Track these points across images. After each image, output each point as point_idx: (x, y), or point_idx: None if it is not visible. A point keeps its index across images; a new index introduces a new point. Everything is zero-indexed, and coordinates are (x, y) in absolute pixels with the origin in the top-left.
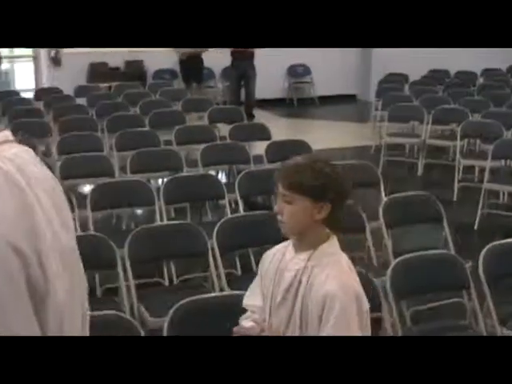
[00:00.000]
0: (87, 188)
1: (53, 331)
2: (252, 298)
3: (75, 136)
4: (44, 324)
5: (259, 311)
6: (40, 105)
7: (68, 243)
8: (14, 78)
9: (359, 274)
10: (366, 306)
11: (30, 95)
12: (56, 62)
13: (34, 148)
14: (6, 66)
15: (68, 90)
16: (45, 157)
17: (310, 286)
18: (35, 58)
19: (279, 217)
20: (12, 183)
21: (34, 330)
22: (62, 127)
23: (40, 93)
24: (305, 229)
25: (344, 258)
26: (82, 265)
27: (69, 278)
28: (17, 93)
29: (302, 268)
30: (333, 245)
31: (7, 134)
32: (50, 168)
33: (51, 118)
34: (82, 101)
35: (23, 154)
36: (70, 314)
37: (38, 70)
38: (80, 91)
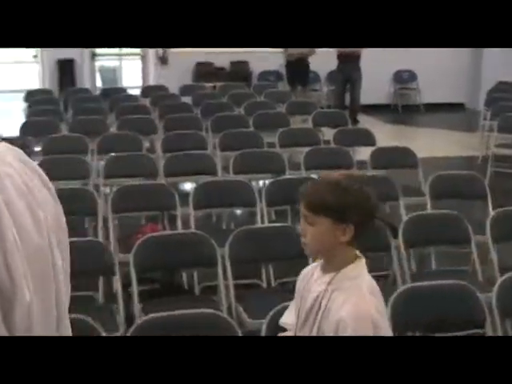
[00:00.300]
0: (189, 186)
1: (20, 334)
2: (287, 315)
3: (180, 134)
4: (12, 327)
5: (293, 329)
6: (146, 102)
7: (40, 243)
8: (122, 75)
9: (461, 288)
10: (387, 332)
11: (136, 92)
12: (163, 60)
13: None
14: (114, 63)
15: (174, 88)
16: (149, 153)
17: (327, 311)
18: (143, 57)
19: (302, 238)
20: None
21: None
22: (167, 125)
23: (147, 90)
24: (328, 251)
25: (366, 282)
26: (62, 265)
27: (40, 280)
28: (124, 90)
29: (322, 291)
30: (357, 268)
31: None
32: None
33: (157, 116)
34: (187, 99)
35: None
36: (41, 317)
37: (145, 68)
38: (185, 90)
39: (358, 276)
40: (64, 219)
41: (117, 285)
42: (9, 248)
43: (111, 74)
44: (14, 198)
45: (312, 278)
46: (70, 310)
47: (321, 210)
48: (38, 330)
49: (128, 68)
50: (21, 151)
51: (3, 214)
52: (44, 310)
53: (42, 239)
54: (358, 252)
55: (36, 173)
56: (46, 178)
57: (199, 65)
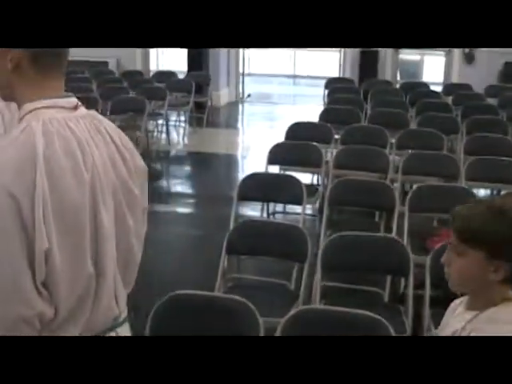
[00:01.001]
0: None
1: (41, 278)
2: None
3: (484, 137)
4: (33, 268)
5: None
6: (449, 100)
7: (78, 201)
8: (423, 70)
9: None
10: None
11: (437, 88)
12: (469, 58)
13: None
14: (415, 57)
15: (478, 88)
16: (450, 153)
17: None
18: (448, 53)
19: (445, 268)
20: (30, 142)
21: (20, 268)
22: (469, 126)
23: (449, 88)
24: (475, 287)
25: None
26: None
27: (70, 234)
28: (426, 85)
29: (459, 329)
30: (504, 311)
31: (69, 100)
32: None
33: (459, 115)
34: (492, 101)
35: (68, 120)
36: (66, 268)
37: (449, 65)
38: (491, 91)
39: (502, 321)
40: (138, 184)
41: (408, 286)
42: (36, 197)
43: (412, 68)
44: (60, 156)
45: (454, 313)
46: (356, 304)
47: (474, 240)
48: (62, 280)
49: (430, 63)
50: (97, 117)
51: (39, 166)
52: (70, 263)
53: (81, 198)
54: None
55: (106, 138)
56: (125, 144)
57: (508, 64)
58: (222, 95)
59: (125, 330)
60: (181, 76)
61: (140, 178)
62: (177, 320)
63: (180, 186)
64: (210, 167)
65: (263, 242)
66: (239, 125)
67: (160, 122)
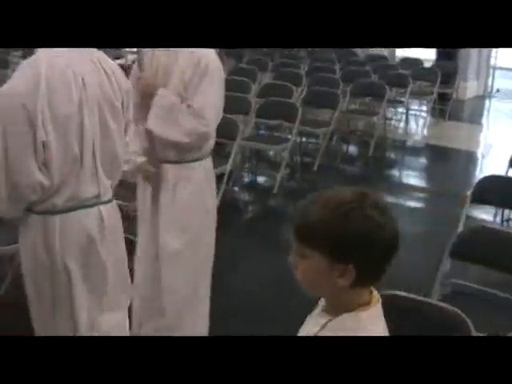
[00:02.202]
0: None
1: (39, 158)
2: None
3: None
4: (35, 150)
5: None
6: None
7: (68, 111)
8: None
9: None
10: None
11: None
12: None
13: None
14: None
15: None
16: None
17: None
18: None
19: (294, 272)
20: (37, 67)
21: (27, 153)
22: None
23: None
24: (326, 292)
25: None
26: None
27: (62, 131)
28: None
29: (312, 334)
30: (361, 317)
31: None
32: None
33: None
34: None
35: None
36: (60, 152)
37: None
38: None
39: (360, 327)
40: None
41: None
42: (38, 107)
43: None
44: (57, 79)
45: (312, 313)
46: None
47: (314, 242)
48: (55, 161)
49: None
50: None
51: (41, 85)
52: (61, 150)
53: (70, 109)
54: (375, 294)
55: (97, 66)
56: (119, 79)
57: None
58: (469, 88)
59: (109, 210)
60: (427, 64)
61: (124, 96)
62: None
63: (412, 179)
64: (446, 162)
65: (493, 252)
66: (483, 121)
67: (400, 110)
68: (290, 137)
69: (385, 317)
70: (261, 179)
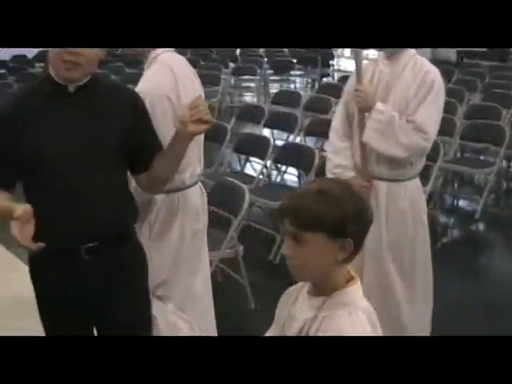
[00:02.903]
0: None
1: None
2: None
3: None
4: None
5: None
6: None
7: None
8: None
9: None
10: None
11: None
12: None
13: None
14: None
15: None
16: None
17: None
18: None
19: (288, 261)
20: (169, 66)
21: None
22: None
23: None
24: (322, 272)
25: (363, 308)
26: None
27: None
28: None
29: (310, 318)
30: (351, 291)
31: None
32: None
33: None
34: None
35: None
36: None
37: None
38: None
39: (352, 302)
40: None
41: None
42: (176, 97)
43: None
44: (183, 73)
45: (297, 302)
46: None
47: (312, 224)
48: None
49: None
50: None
51: (179, 80)
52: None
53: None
54: (352, 271)
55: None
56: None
57: None
58: None
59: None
60: None
61: None
62: None
63: None
64: None
65: None
66: None
67: None
68: (495, 161)
69: None
70: (463, 203)
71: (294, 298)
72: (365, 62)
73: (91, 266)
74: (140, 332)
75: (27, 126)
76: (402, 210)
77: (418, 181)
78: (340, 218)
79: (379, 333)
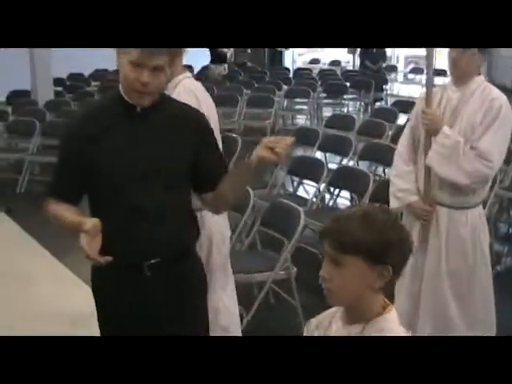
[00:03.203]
0: None
1: None
2: None
3: None
4: None
5: None
6: None
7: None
8: None
9: None
10: None
11: None
12: None
13: None
14: None
15: None
16: None
17: None
18: None
19: (325, 284)
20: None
21: None
22: None
23: None
24: (359, 298)
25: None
26: None
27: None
28: None
29: None
30: (390, 319)
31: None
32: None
33: None
34: None
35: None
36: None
37: None
38: None
39: (392, 329)
40: None
41: None
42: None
43: None
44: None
45: (331, 330)
46: None
47: (353, 247)
48: None
49: None
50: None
51: (201, 106)
52: None
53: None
54: (386, 299)
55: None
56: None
57: None
58: None
59: None
60: None
61: None
62: None
63: None
64: None
65: None
66: None
67: None
68: None
69: None
70: None
71: (327, 324)
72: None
73: (153, 283)
74: None
75: (98, 143)
76: (463, 237)
77: (480, 209)
78: (382, 245)
79: None
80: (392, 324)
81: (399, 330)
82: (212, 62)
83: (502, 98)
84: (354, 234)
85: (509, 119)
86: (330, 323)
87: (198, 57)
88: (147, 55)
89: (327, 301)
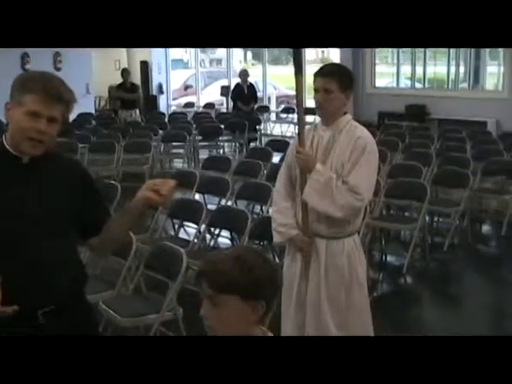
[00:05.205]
0: None
1: None
2: None
3: None
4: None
5: None
6: None
7: None
8: None
9: None
10: None
11: None
12: None
13: None
14: None
15: None
16: None
17: None
18: None
19: (205, 321)
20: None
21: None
22: None
23: None
24: (238, 333)
25: None
26: None
27: None
28: None
29: None
30: None
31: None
32: None
33: None
34: None
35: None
36: None
37: None
38: None
39: None
40: None
41: None
42: None
43: None
44: None
45: None
46: None
47: (230, 288)
48: None
49: None
50: None
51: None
52: None
53: None
54: (263, 328)
55: None
56: None
57: None
58: None
59: None
60: None
61: None
62: None
63: None
64: None
65: None
66: None
67: None
68: (419, 216)
69: None
70: (390, 258)
71: None
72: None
73: (47, 330)
74: None
75: None
76: (340, 265)
77: (356, 237)
78: (254, 283)
79: None
80: None
81: None
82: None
83: (366, 135)
84: (228, 274)
85: (373, 155)
86: None
87: None
88: (45, 105)
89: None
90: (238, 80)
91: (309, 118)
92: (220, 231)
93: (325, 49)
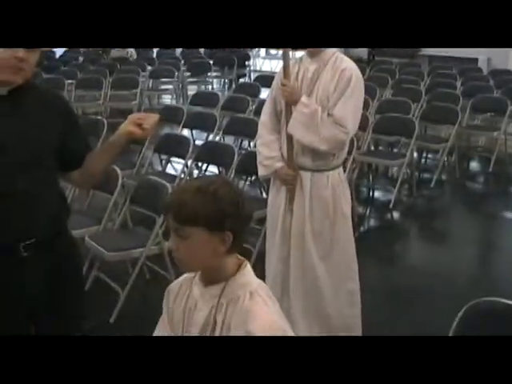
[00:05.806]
0: None
1: None
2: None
3: None
4: None
5: None
6: None
7: None
8: None
9: None
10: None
11: None
12: None
13: None
14: None
15: None
16: None
17: (227, 327)
18: None
19: (174, 254)
20: None
21: None
22: None
23: None
24: (208, 263)
25: (259, 286)
26: None
27: None
28: None
29: (215, 305)
30: (245, 273)
31: None
32: None
33: None
34: None
35: None
36: None
37: None
38: None
39: (249, 282)
40: None
41: None
42: None
43: None
44: None
45: (192, 295)
46: None
47: (194, 219)
48: None
49: None
50: None
51: None
52: None
53: None
54: (239, 256)
55: None
56: None
57: None
58: None
59: None
60: None
61: None
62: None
63: None
64: None
65: None
66: None
67: None
68: (407, 152)
69: (484, 323)
70: (378, 194)
71: (187, 290)
72: (291, 60)
73: (30, 263)
74: (76, 327)
75: None
76: (324, 198)
77: (340, 171)
78: (217, 213)
79: (276, 302)
80: (249, 276)
81: (256, 281)
82: None
83: (352, 67)
84: (190, 206)
85: (358, 88)
86: (190, 286)
87: None
88: None
89: (182, 269)
90: None
91: (298, 54)
92: (207, 166)
93: None
